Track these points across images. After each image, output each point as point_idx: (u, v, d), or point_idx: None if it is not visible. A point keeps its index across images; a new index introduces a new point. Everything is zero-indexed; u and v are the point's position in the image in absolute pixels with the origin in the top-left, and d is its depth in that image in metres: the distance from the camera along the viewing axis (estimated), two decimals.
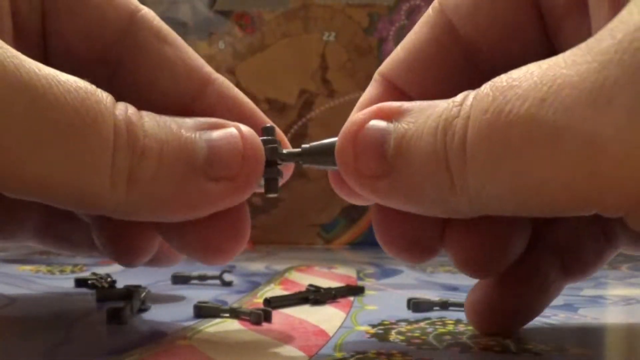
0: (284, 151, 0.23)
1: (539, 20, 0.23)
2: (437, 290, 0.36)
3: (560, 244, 0.26)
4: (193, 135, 0.21)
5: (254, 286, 0.37)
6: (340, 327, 0.27)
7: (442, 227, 0.23)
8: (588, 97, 0.16)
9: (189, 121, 0.22)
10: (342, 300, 0.32)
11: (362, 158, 0.20)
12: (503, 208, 0.19)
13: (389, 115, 0.20)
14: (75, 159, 0.19)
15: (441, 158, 0.19)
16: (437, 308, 0.30)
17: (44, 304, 0.32)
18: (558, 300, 0.28)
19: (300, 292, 0.32)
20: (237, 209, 0.23)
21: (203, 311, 0.28)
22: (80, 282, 0.35)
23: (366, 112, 0.21)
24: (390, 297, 0.34)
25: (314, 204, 0.59)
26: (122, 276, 0.36)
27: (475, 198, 0.19)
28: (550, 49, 0.22)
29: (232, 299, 0.32)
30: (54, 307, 0.31)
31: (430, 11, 0.24)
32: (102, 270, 0.38)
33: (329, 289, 0.33)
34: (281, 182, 0.24)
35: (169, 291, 0.35)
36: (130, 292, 0.31)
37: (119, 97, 0.21)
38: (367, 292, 0.35)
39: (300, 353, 0.22)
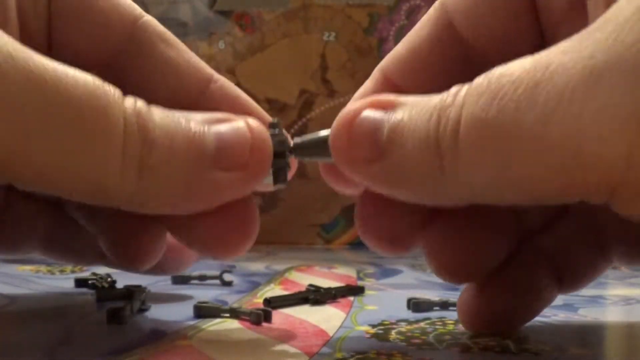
0: (293, 141, 0.23)
1: (537, 24, 0.23)
2: (437, 290, 0.36)
3: (551, 252, 0.26)
4: (202, 128, 0.22)
5: (254, 286, 0.37)
6: (340, 327, 0.27)
7: (422, 224, 0.24)
8: (579, 79, 0.17)
9: (197, 115, 0.22)
10: (342, 300, 0.32)
11: (356, 144, 0.21)
12: (492, 192, 0.19)
13: (384, 106, 0.21)
14: (86, 149, 0.19)
15: (433, 143, 0.19)
16: (437, 308, 0.30)
17: (44, 304, 0.32)
18: (558, 300, 0.28)
19: (300, 292, 0.32)
20: (245, 203, 0.23)
21: (203, 311, 0.28)
22: (80, 282, 0.35)
23: (362, 101, 0.21)
24: (390, 297, 0.34)
25: (314, 204, 0.59)
26: (122, 276, 0.36)
27: (466, 184, 0.19)
28: None
29: (232, 299, 0.32)
30: (54, 307, 0.31)
31: (432, 10, 0.24)
32: (102, 271, 0.38)
33: (329, 289, 0.33)
34: (290, 174, 0.24)
35: (169, 291, 0.35)
36: (131, 292, 0.31)
37: None
38: (367, 292, 0.35)
39: (300, 353, 0.23)
